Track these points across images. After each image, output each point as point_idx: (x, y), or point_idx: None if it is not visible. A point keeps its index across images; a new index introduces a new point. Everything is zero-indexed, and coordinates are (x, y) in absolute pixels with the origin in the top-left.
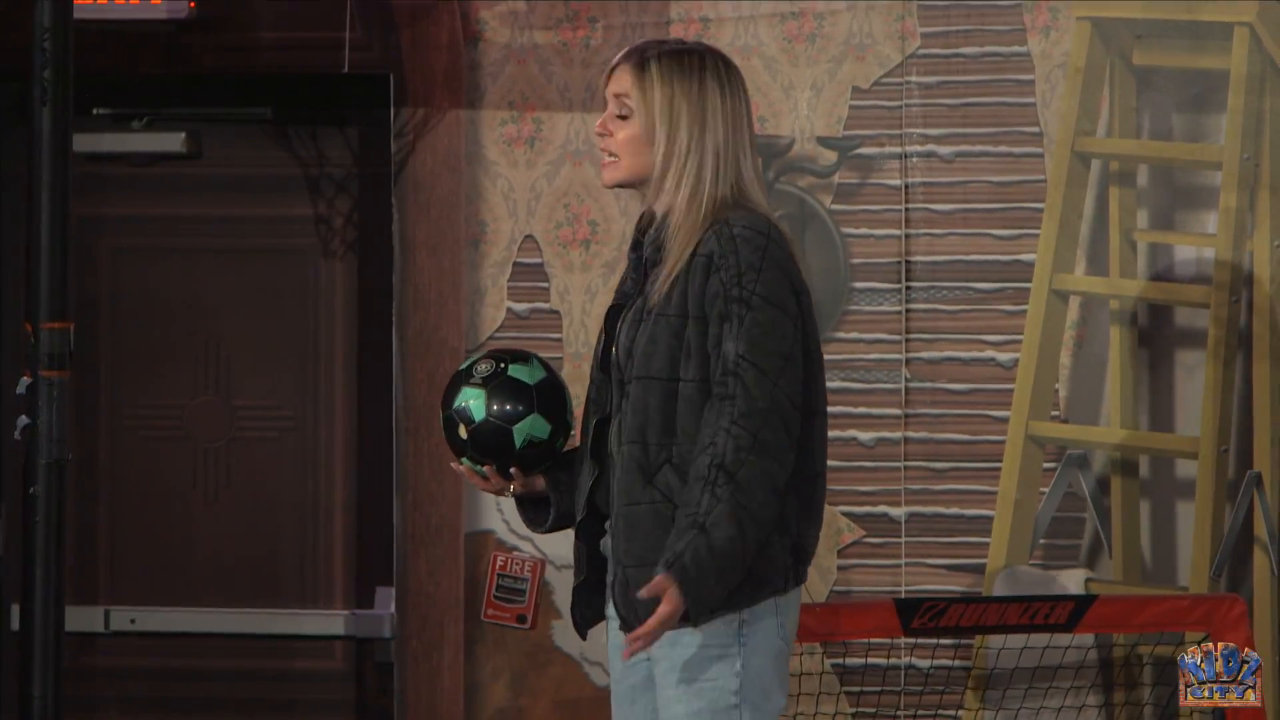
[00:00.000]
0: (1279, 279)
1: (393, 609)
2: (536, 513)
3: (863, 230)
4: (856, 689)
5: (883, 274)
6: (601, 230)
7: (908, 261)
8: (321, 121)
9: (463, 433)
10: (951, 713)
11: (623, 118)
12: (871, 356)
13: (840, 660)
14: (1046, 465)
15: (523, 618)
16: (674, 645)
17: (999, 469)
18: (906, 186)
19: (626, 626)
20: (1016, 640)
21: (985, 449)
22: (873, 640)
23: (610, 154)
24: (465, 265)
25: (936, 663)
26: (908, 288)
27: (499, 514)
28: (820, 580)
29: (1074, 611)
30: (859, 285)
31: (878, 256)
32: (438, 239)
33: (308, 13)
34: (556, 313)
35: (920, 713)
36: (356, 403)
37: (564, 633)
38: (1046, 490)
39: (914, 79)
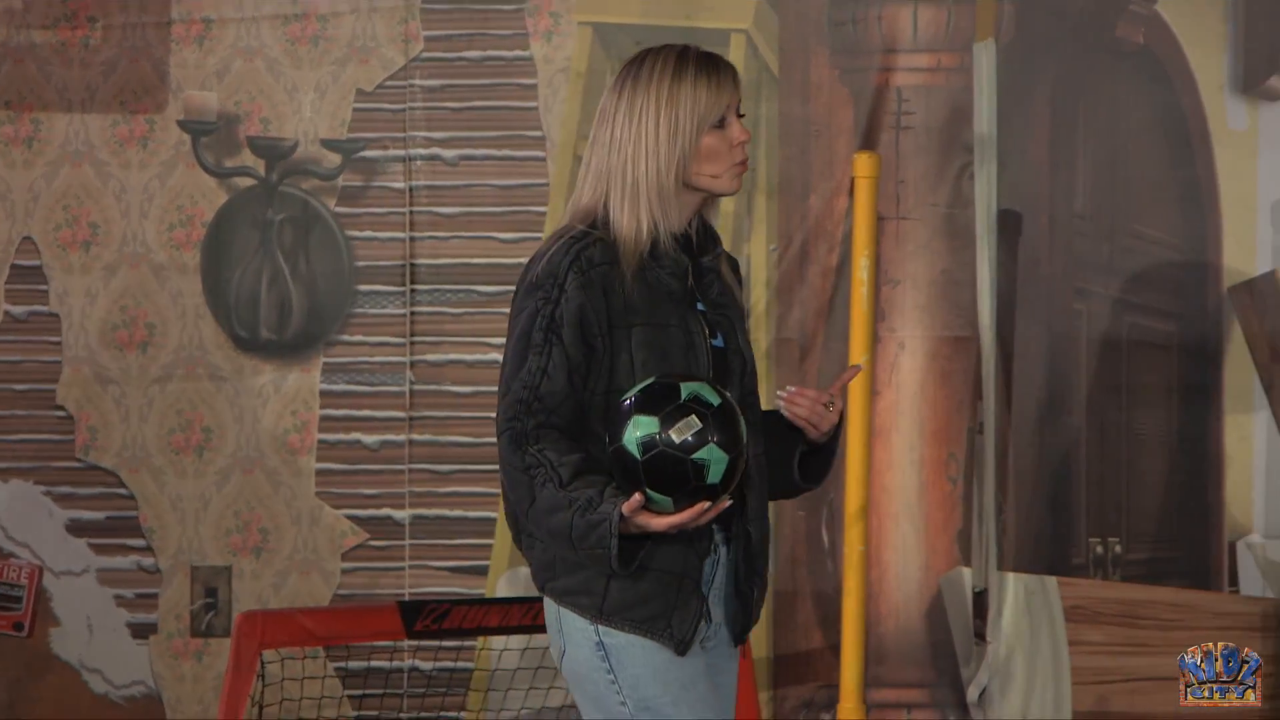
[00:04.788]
0: (774, 282)
1: None
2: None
3: (367, 233)
4: (359, 692)
5: (387, 276)
6: (102, 232)
7: (412, 264)
8: None
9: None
10: (454, 714)
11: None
12: (376, 359)
13: (343, 664)
14: None
15: (20, 625)
16: None
17: None
18: (411, 189)
19: (742, 639)
20: (519, 640)
21: (489, 451)
22: (376, 643)
23: (745, 162)
24: None
25: (440, 664)
26: (412, 290)
27: None
28: (324, 584)
29: None
30: (363, 288)
31: (382, 259)
32: None
33: None
34: (56, 315)
35: (423, 715)
36: None
37: (62, 640)
38: None
39: (417, 82)
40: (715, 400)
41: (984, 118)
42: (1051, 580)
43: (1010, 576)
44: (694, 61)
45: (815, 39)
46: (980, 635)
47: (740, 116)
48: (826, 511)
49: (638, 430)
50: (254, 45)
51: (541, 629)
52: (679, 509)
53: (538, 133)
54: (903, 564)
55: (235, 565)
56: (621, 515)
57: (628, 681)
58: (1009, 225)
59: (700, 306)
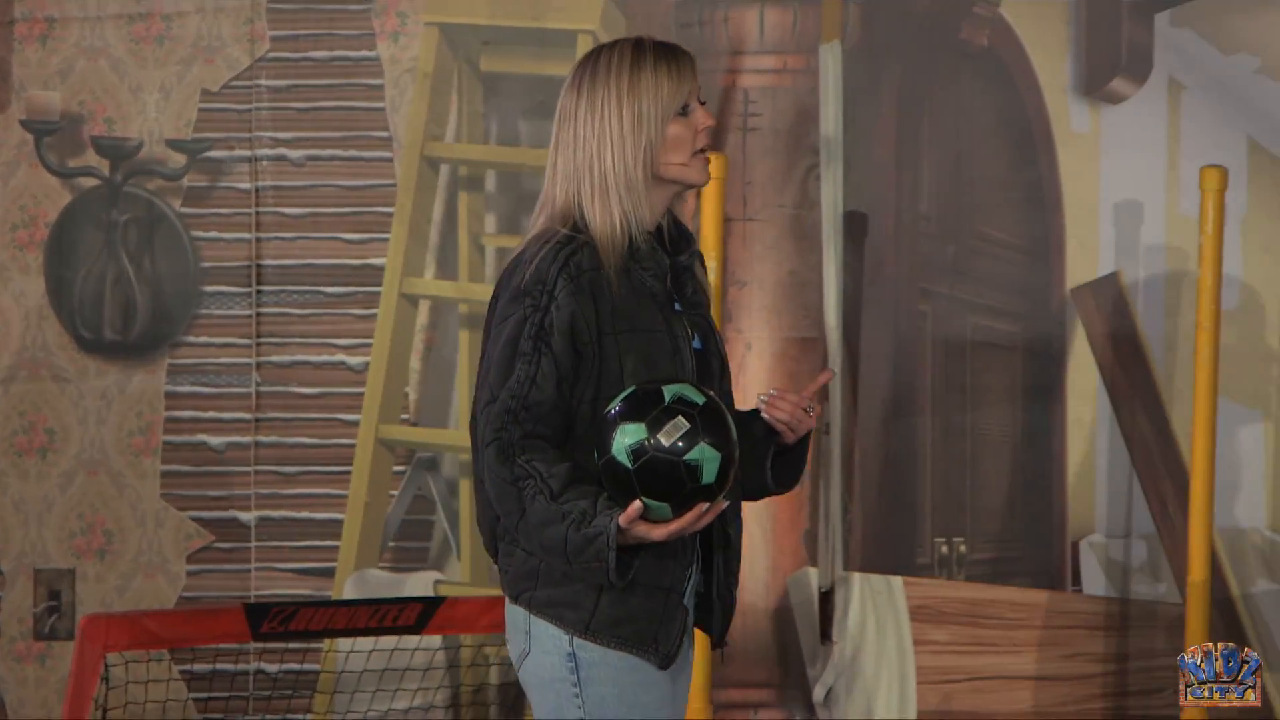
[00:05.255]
0: None
1: None
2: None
3: (213, 234)
4: (204, 695)
5: (233, 277)
6: None
7: (258, 265)
8: None
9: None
10: (300, 716)
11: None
12: (222, 360)
13: (188, 666)
14: (396, 469)
15: None
16: None
17: (349, 472)
18: (257, 190)
19: (721, 641)
20: (365, 643)
21: (336, 452)
22: (222, 645)
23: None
24: None
25: (286, 667)
26: (258, 291)
27: None
28: (169, 586)
29: (422, 613)
30: (209, 289)
31: (228, 260)
32: None
33: None
34: None
35: (269, 718)
36: None
37: None
38: (396, 493)
39: (264, 82)
40: (700, 400)
41: (830, 119)
42: (897, 580)
43: (856, 576)
44: (651, 51)
45: None
46: (826, 635)
47: (702, 103)
48: None
49: (625, 439)
50: (98, 45)
51: (387, 631)
52: (677, 515)
53: (384, 133)
54: (750, 564)
55: (79, 568)
56: (619, 528)
57: (592, 699)
58: (855, 226)
59: (677, 307)
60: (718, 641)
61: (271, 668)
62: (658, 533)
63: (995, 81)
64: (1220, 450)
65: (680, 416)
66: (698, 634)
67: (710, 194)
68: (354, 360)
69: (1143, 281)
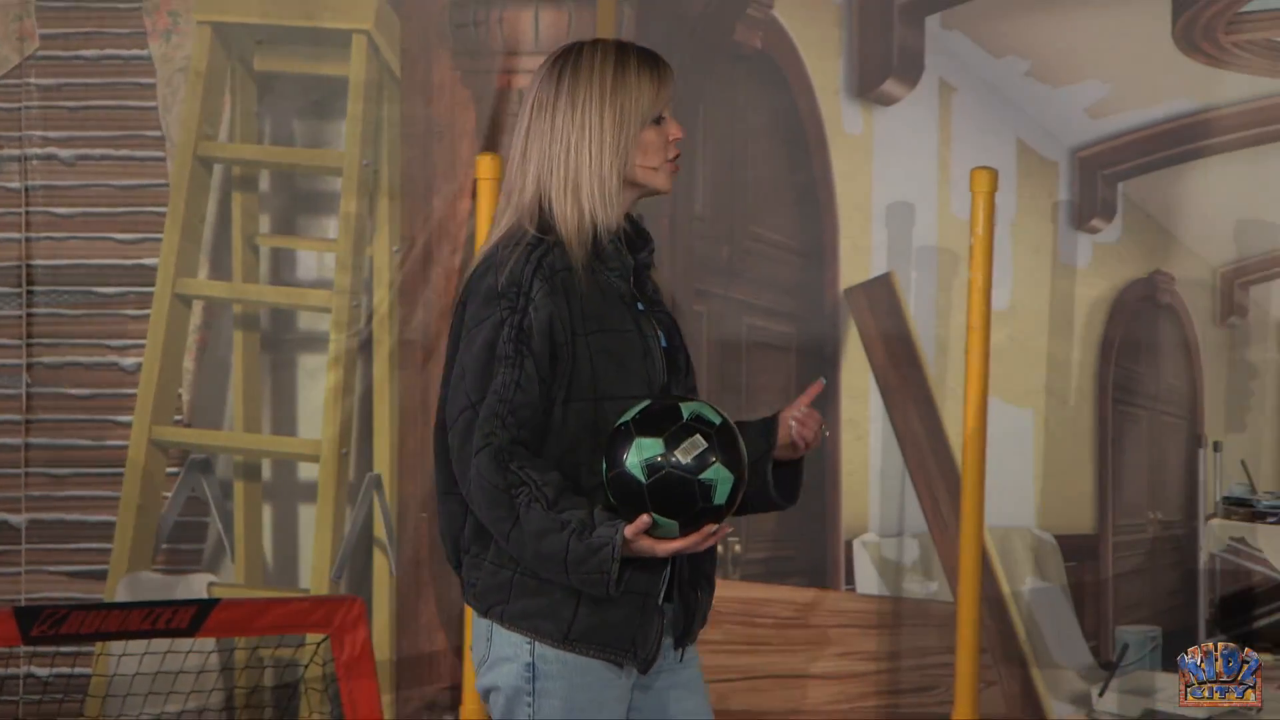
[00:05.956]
0: (398, 283)
1: None
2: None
3: None
4: None
5: (3, 277)
6: None
7: (29, 265)
8: None
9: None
10: None
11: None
12: None
13: None
14: (170, 470)
15: None
16: None
17: (122, 474)
18: (27, 189)
19: (683, 643)
20: (138, 646)
21: (108, 454)
22: None
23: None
24: None
25: (57, 670)
26: (29, 291)
27: None
28: None
29: (196, 616)
30: None
31: None
32: None
33: None
34: None
35: None
36: None
37: None
38: (170, 495)
39: (33, 80)
40: (717, 420)
41: None
42: None
43: None
44: (635, 55)
45: (437, 41)
46: None
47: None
48: None
49: (642, 453)
50: None
51: (161, 634)
52: (683, 533)
53: (157, 132)
54: None
55: None
56: (624, 539)
57: (543, 711)
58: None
59: (640, 306)
60: (678, 643)
61: (42, 671)
62: (663, 548)
63: (769, 83)
64: (991, 449)
65: (698, 435)
66: None
67: (486, 194)
68: (126, 361)
69: (915, 282)
